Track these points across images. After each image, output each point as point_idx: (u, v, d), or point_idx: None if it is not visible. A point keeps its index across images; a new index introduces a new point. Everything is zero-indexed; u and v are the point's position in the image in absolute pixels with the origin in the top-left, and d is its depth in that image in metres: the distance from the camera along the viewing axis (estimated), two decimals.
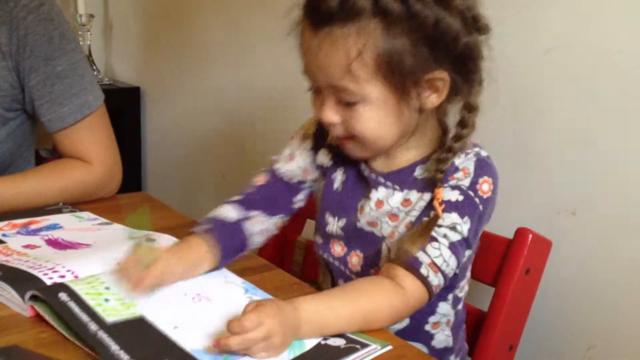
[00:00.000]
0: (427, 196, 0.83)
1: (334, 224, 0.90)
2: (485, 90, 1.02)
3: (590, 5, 0.95)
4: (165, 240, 0.87)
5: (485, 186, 0.81)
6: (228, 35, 1.67)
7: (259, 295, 0.79)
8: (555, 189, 1.02)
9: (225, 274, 0.83)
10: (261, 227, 0.90)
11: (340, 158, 0.90)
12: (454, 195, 0.80)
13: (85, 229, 0.95)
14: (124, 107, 2.01)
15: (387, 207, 0.85)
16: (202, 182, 1.83)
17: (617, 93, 0.94)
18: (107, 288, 0.76)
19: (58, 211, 1.01)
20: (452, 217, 0.79)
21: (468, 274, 0.91)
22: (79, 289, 0.74)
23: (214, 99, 1.75)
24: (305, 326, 0.71)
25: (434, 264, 0.78)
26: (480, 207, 0.81)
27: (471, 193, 0.80)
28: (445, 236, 0.79)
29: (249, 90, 1.63)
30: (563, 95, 1.00)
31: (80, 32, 2.01)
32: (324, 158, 0.92)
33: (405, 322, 0.87)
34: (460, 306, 0.91)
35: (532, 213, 1.04)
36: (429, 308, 0.86)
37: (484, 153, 0.83)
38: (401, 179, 0.85)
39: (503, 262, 0.93)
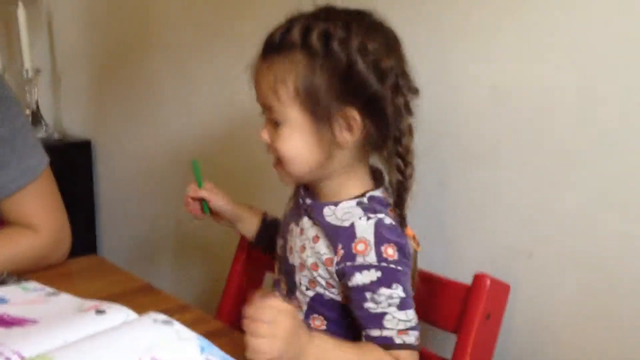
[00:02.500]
0: (328, 242, 0.89)
1: (278, 246, 1.00)
2: (433, 131, 1.03)
3: (531, 45, 0.97)
4: (117, 310, 0.84)
5: (390, 251, 0.86)
6: (178, 79, 1.66)
7: (216, 354, 0.77)
8: (511, 232, 1.02)
9: (178, 329, 0.80)
10: None
11: (295, 192, 0.99)
12: (370, 276, 0.86)
13: (32, 301, 0.91)
14: (74, 162, 1.97)
15: (304, 237, 0.93)
16: (160, 236, 1.80)
17: (563, 132, 0.95)
18: None
19: (2, 282, 0.97)
20: (382, 292, 0.86)
21: None
22: None
23: (167, 147, 1.73)
24: (311, 350, 0.79)
25: (400, 330, 0.86)
26: (398, 267, 0.86)
27: (384, 264, 0.86)
28: (389, 305, 0.86)
29: (202, 134, 1.62)
30: (510, 136, 1.00)
31: (27, 87, 1.98)
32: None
33: None
34: None
35: (489, 256, 1.04)
36: None
37: (386, 220, 0.88)
38: (319, 214, 0.91)
39: (463, 309, 0.93)
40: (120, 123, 1.91)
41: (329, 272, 0.90)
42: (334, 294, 0.91)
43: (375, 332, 0.87)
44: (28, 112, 1.97)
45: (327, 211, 0.90)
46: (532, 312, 1.00)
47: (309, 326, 0.92)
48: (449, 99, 1.07)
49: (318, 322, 0.93)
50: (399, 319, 0.86)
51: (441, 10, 1.06)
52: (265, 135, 0.91)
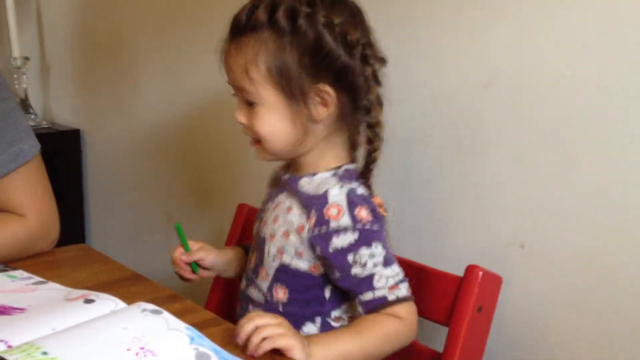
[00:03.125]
0: (301, 210, 0.90)
1: (254, 230, 1.00)
2: (427, 122, 1.02)
3: (528, 37, 0.96)
4: (105, 300, 0.83)
5: (363, 213, 0.88)
6: (165, 69, 1.65)
7: (206, 345, 0.76)
8: (503, 224, 1.02)
9: (167, 318, 0.79)
10: None
11: (274, 174, 1.01)
12: (347, 239, 0.87)
13: (19, 290, 0.90)
14: (63, 151, 1.95)
15: (278, 209, 0.94)
16: (149, 224, 1.79)
17: (558, 124, 0.94)
18: (44, 354, 0.71)
19: None
20: (363, 252, 0.87)
21: (343, 307, 0.94)
22: (14, 359, 0.69)
23: (156, 136, 1.72)
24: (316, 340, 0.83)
25: (390, 287, 0.88)
26: (374, 227, 0.88)
27: (359, 226, 0.87)
28: (374, 265, 0.88)
29: (191, 123, 1.61)
30: (505, 128, 1.00)
31: (15, 76, 1.96)
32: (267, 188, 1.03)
33: None
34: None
35: (480, 247, 1.04)
36: (296, 323, 0.89)
37: (358, 190, 0.89)
38: (295, 185, 0.93)
39: (455, 301, 0.93)
40: (109, 112, 1.90)
41: (301, 239, 0.90)
42: (300, 263, 0.92)
43: (367, 296, 0.88)
44: (17, 100, 1.95)
45: (303, 182, 0.92)
46: (524, 305, 1.00)
47: (272, 296, 0.94)
48: (444, 91, 1.06)
49: (281, 292, 0.94)
50: (387, 276, 0.88)
51: (438, 4, 1.06)
52: (240, 117, 0.91)
